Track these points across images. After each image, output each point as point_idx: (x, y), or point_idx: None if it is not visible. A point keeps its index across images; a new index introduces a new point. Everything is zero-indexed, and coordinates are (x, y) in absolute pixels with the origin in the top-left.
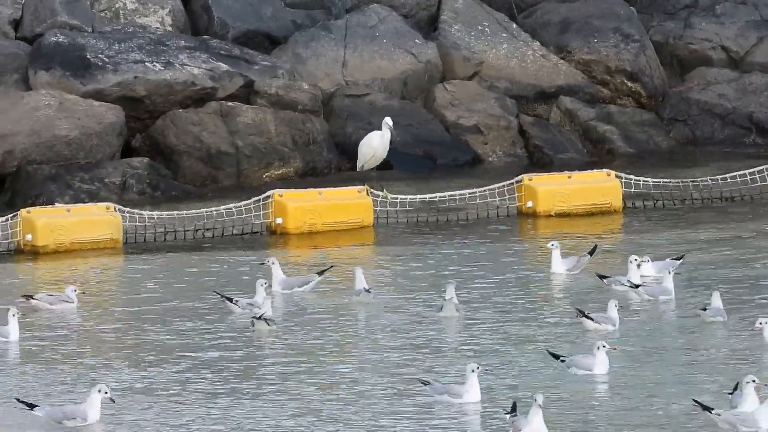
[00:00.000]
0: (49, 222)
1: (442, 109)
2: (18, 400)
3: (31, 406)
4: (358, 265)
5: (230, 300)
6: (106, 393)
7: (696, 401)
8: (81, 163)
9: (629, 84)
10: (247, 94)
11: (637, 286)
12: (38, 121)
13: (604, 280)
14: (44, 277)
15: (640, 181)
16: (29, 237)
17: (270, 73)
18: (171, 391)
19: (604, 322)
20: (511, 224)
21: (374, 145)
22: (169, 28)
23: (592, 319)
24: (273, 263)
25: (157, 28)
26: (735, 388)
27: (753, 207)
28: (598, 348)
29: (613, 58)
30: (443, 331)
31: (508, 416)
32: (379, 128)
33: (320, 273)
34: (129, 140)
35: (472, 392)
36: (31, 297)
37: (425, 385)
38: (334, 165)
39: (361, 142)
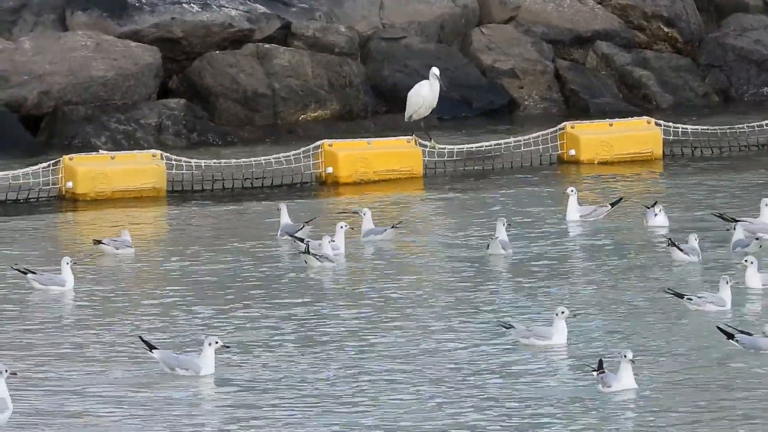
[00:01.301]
0: (90, 170)
1: (478, 53)
2: (141, 339)
3: (151, 348)
4: (366, 207)
5: (301, 241)
6: (217, 343)
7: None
8: (117, 104)
9: (666, 29)
10: (284, 36)
11: (736, 221)
12: (75, 62)
13: (734, 224)
14: (81, 225)
15: (679, 128)
16: (70, 184)
17: (307, 15)
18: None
19: (691, 253)
20: (558, 172)
21: (423, 94)
22: None
23: (681, 249)
24: (280, 208)
25: None
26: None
27: None
28: (726, 282)
29: (650, 3)
30: (493, 271)
31: (595, 374)
32: (418, 72)
33: (308, 222)
34: (165, 81)
35: (559, 335)
36: (100, 242)
37: (507, 328)
38: (371, 108)
39: (410, 93)
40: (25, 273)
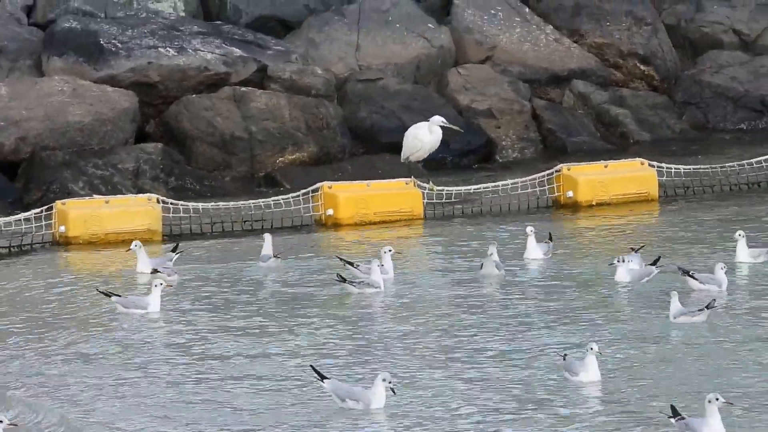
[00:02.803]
0: (82, 213)
1: (455, 94)
2: (312, 368)
3: (322, 377)
4: (267, 232)
5: (351, 264)
6: (389, 382)
7: None
8: (95, 149)
9: (642, 67)
10: (261, 79)
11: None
12: (51, 107)
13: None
14: (74, 266)
15: (672, 169)
16: (63, 228)
17: (283, 57)
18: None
19: (709, 282)
20: (560, 214)
21: (422, 138)
22: (182, 14)
23: (696, 279)
24: (138, 246)
25: (170, 13)
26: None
27: None
28: None
29: (626, 42)
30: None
31: (673, 420)
32: (395, 113)
33: (173, 250)
34: (142, 126)
35: (590, 371)
36: (156, 270)
37: (564, 358)
38: (348, 150)
39: (407, 134)
40: (109, 296)
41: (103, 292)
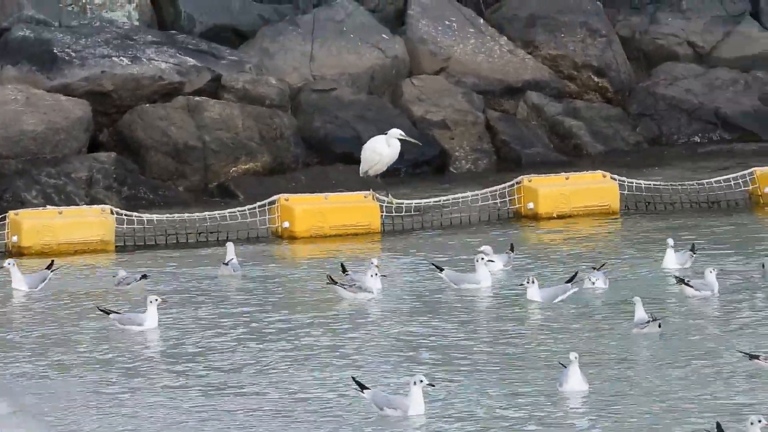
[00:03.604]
0: (35, 223)
1: (409, 104)
2: (353, 379)
3: (363, 388)
4: (230, 241)
5: (345, 270)
6: (421, 381)
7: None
8: (48, 158)
9: (596, 79)
10: (215, 88)
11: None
12: (5, 116)
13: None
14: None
15: (633, 183)
16: (15, 238)
17: (237, 67)
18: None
19: (703, 288)
20: (523, 226)
21: (380, 151)
22: (136, 23)
23: (691, 286)
24: (12, 264)
25: (124, 22)
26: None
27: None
28: None
29: (580, 53)
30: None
31: None
32: (349, 124)
33: (48, 267)
34: (96, 135)
35: (572, 381)
36: (145, 276)
37: (565, 367)
38: (302, 160)
39: (366, 147)
40: (108, 313)
41: (102, 310)
